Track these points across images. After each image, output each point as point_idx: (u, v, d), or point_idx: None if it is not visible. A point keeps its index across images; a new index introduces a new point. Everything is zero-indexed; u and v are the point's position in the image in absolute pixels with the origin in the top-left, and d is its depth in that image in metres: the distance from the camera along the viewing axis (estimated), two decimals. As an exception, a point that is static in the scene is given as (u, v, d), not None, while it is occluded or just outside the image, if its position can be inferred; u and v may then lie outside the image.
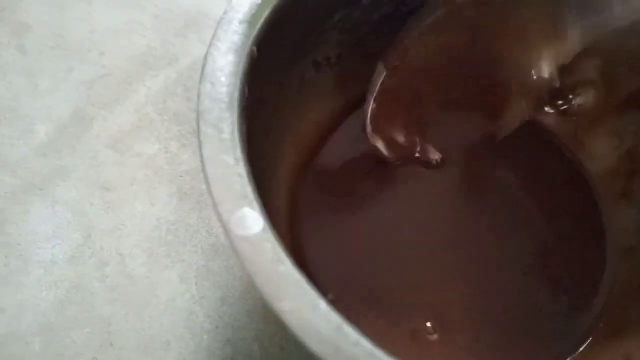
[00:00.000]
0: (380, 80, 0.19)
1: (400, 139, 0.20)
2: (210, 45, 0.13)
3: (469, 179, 0.21)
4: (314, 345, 0.10)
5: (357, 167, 0.20)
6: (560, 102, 0.21)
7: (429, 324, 0.18)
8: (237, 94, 0.13)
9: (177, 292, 0.19)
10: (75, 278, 0.19)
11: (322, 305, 0.11)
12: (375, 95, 0.19)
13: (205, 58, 0.13)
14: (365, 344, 0.10)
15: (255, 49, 0.14)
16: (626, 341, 0.17)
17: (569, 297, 0.19)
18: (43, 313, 0.19)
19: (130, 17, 0.23)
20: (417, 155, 0.20)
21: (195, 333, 0.18)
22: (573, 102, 0.21)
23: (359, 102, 0.20)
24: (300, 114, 0.19)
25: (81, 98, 0.22)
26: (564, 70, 0.21)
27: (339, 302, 0.13)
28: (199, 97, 0.12)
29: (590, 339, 0.18)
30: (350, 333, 0.10)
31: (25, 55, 0.23)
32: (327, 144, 0.20)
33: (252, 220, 0.12)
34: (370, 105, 0.19)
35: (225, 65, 0.13)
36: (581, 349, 0.18)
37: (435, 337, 0.18)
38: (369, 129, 0.19)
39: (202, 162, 0.12)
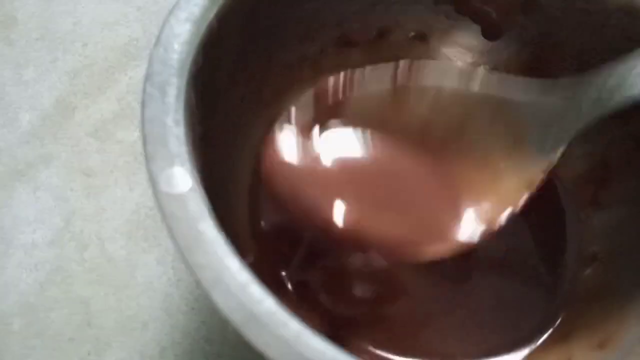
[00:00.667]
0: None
1: None
2: (169, 13, 0.13)
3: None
4: (219, 299, 0.11)
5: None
6: None
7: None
8: (188, 62, 0.14)
9: (154, 274, 0.19)
10: (56, 260, 0.20)
11: (234, 263, 0.11)
12: None
13: (163, 25, 0.13)
14: (270, 303, 0.11)
15: (215, 21, 0.15)
16: (571, 345, 0.17)
17: (525, 295, 0.19)
18: (23, 294, 0.19)
19: (114, 9, 0.24)
20: None
21: (171, 314, 0.19)
22: None
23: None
24: (274, 95, 0.19)
25: (64, 87, 0.22)
26: (540, 70, 0.21)
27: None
28: (149, 60, 0.13)
29: (540, 340, 0.18)
30: (256, 292, 0.11)
31: (11, 46, 0.23)
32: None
33: (180, 178, 0.12)
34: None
35: (181, 33, 0.14)
36: (530, 349, 0.18)
37: None
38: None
39: (142, 121, 0.12)
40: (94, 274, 0.19)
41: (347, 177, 0.18)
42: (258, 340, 0.11)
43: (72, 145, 0.21)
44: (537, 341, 0.18)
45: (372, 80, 0.19)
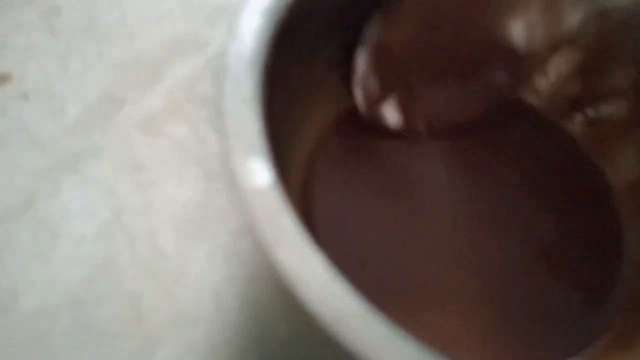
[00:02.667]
0: (376, 32, 0.19)
1: (386, 101, 0.20)
2: (244, 7, 0.14)
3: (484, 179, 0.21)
4: (303, 293, 0.11)
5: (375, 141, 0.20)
6: (588, 110, 0.21)
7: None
8: (263, 54, 0.14)
9: (205, 270, 0.19)
10: (104, 254, 0.19)
11: (316, 258, 0.11)
12: (367, 45, 0.19)
13: (237, 19, 0.14)
14: (354, 298, 0.11)
15: (287, 13, 0.15)
16: (630, 354, 0.17)
17: (578, 303, 0.19)
18: (71, 288, 0.19)
19: (159, 4, 0.24)
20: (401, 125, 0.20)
21: (222, 310, 0.18)
22: (602, 111, 0.21)
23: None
24: (326, 97, 0.19)
25: (111, 80, 0.22)
26: (592, 77, 0.21)
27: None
28: (226, 54, 0.13)
29: (595, 348, 0.18)
30: (340, 286, 0.11)
31: (56, 37, 0.23)
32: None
33: (262, 173, 0.12)
34: (361, 56, 0.19)
35: (255, 27, 0.14)
36: (584, 355, 0.18)
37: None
38: (356, 80, 0.19)
39: (222, 113, 0.13)
40: (143, 268, 0.19)
41: None
42: (347, 338, 0.11)
43: (120, 138, 0.21)
44: (588, 351, 0.18)
45: None
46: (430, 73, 0.20)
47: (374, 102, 0.20)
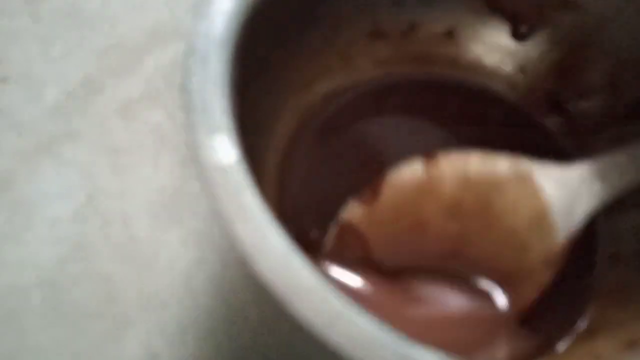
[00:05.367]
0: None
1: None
2: None
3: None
4: (263, 270, 0.11)
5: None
6: (565, 105, 0.22)
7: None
8: (231, 36, 0.14)
9: (178, 254, 0.19)
10: (78, 236, 0.19)
11: (275, 233, 0.12)
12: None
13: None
14: (310, 270, 0.11)
15: None
16: (599, 343, 0.17)
17: (551, 295, 0.19)
18: (44, 269, 0.19)
19: (143, -8, 0.24)
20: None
21: (194, 294, 0.19)
22: (578, 106, 0.21)
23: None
24: (304, 81, 0.19)
25: (92, 66, 0.22)
26: (569, 72, 0.21)
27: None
28: (193, 33, 0.13)
29: (568, 338, 0.18)
30: (299, 263, 0.11)
31: (38, 23, 0.23)
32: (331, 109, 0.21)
33: (225, 149, 0.12)
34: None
35: (225, 8, 0.14)
36: (557, 346, 0.18)
37: None
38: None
39: (185, 91, 0.13)
40: (116, 251, 0.19)
41: None
42: (302, 312, 0.11)
43: (99, 123, 0.21)
44: (562, 340, 0.18)
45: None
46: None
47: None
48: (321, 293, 0.11)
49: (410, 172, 0.18)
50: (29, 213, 0.20)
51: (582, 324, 0.18)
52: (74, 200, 0.20)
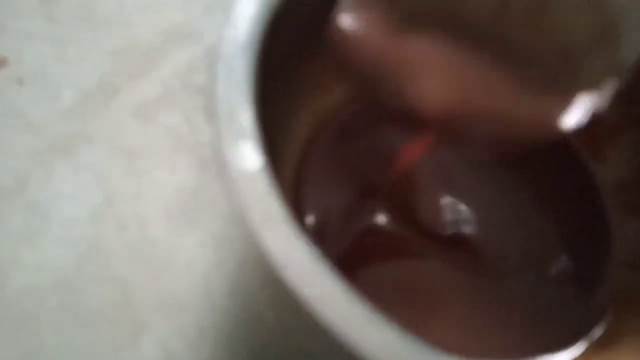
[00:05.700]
0: None
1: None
2: None
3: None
4: (291, 277, 0.11)
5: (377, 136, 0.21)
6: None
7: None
8: (256, 41, 0.14)
9: (195, 256, 0.19)
10: (94, 239, 0.19)
11: (301, 241, 0.12)
12: None
13: (234, 5, 0.14)
14: (337, 281, 0.11)
15: (283, 3, 0.15)
16: (617, 352, 0.17)
17: (567, 299, 0.19)
18: (60, 271, 0.19)
19: (157, -6, 0.24)
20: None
21: (211, 296, 0.19)
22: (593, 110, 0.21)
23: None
24: (321, 84, 0.19)
25: (107, 68, 0.22)
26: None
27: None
28: (221, 39, 0.13)
29: (583, 347, 0.18)
30: (323, 269, 0.11)
31: (54, 24, 0.23)
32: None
33: (252, 157, 0.12)
34: None
35: (251, 14, 0.14)
36: (572, 355, 0.18)
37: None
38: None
39: (214, 97, 0.13)
40: (133, 254, 0.19)
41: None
42: (329, 320, 0.11)
43: (115, 124, 0.21)
44: (577, 347, 0.18)
45: None
46: None
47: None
48: (348, 302, 0.11)
49: None
50: (45, 215, 0.20)
51: (598, 331, 0.18)
52: (90, 202, 0.20)
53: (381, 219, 0.19)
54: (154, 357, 0.18)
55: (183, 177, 0.20)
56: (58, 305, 0.19)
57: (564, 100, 0.16)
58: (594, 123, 0.21)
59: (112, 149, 0.21)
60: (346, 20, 0.16)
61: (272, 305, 0.18)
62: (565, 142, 0.22)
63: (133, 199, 0.20)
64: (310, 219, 0.19)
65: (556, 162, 0.22)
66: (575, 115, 0.16)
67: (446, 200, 0.20)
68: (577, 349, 0.18)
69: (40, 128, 0.21)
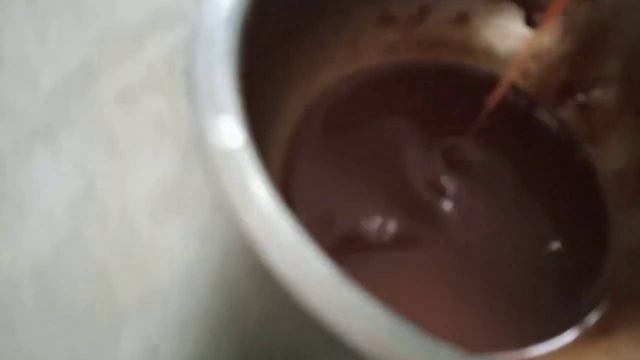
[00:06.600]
0: None
1: None
2: None
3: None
4: (273, 259, 0.11)
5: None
6: (578, 95, 0.21)
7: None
8: (238, 17, 0.13)
9: (178, 246, 0.18)
10: (73, 228, 0.19)
11: (285, 221, 0.11)
12: None
13: None
14: (323, 263, 0.11)
15: None
16: (615, 339, 0.17)
17: (565, 288, 0.19)
18: (37, 261, 0.18)
19: (143, -25, 0.23)
20: None
21: (195, 288, 0.18)
22: (592, 97, 0.21)
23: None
24: (311, 68, 0.19)
25: (89, 51, 0.21)
26: (583, 62, 0.20)
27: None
28: (199, 14, 0.13)
29: (580, 333, 0.18)
30: (311, 253, 0.11)
31: (34, 6, 0.22)
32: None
33: (232, 133, 0.12)
34: None
35: None
36: (570, 340, 0.18)
37: None
38: None
39: (190, 73, 0.12)
40: (113, 243, 0.18)
41: None
42: (314, 305, 0.11)
43: (96, 110, 0.20)
44: (575, 333, 0.18)
45: None
46: None
47: None
48: (334, 285, 0.11)
49: None
50: (22, 203, 0.19)
51: (593, 318, 0.18)
52: (70, 190, 0.19)
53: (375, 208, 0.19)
54: (135, 351, 0.17)
55: (167, 164, 0.20)
56: (34, 297, 0.18)
57: None
58: (593, 109, 0.21)
59: (94, 135, 0.20)
60: None
61: (259, 296, 0.18)
62: (565, 130, 0.21)
63: (115, 187, 0.19)
64: (299, 206, 0.18)
65: (555, 150, 0.21)
66: None
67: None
68: (572, 335, 0.17)
69: (19, 114, 0.20)
